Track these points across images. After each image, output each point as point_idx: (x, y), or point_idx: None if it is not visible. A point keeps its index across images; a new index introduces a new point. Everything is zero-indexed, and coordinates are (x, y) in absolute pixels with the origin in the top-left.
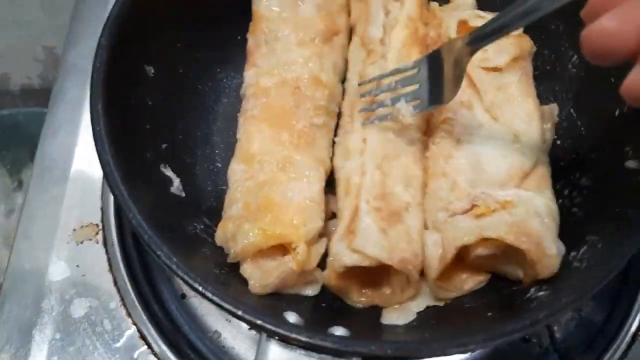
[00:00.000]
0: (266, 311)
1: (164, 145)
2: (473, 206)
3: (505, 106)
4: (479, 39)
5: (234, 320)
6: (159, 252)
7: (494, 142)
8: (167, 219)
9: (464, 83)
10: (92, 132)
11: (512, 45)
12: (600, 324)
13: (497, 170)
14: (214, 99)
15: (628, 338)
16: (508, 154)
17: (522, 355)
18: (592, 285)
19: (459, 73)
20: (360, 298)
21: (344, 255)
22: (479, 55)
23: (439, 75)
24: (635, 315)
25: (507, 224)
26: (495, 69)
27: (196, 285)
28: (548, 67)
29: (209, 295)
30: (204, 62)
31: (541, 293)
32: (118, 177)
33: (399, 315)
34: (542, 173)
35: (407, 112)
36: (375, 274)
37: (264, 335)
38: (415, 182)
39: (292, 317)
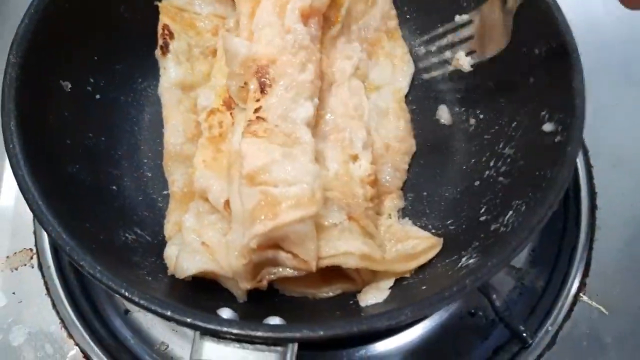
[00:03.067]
0: (197, 310)
1: (86, 159)
2: None
3: None
4: None
5: (180, 329)
6: (82, 262)
7: None
8: (93, 231)
9: None
10: (6, 151)
11: None
12: (541, 290)
13: None
14: (138, 109)
15: (569, 300)
16: None
17: (471, 328)
18: (515, 246)
19: (508, 21)
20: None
21: None
22: None
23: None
24: (574, 278)
25: None
26: None
27: (122, 291)
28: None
29: (135, 298)
30: (123, 74)
31: (471, 261)
32: (35, 192)
33: (374, 294)
34: None
35: (466, 62)
36: None
37: (197, 333)
38: None
39: (225, 312)
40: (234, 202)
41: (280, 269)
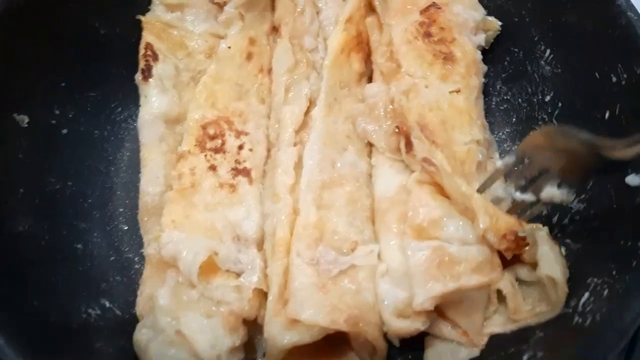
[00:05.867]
0: None
1: (44, 212)
2: None
3: None
4: None
5: None
6: None
7: None
8: (42, 311)
9: None
10: None
11: None
12: None
13: None
14: (115, 145)
15: None
16: None
17: None
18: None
19: None
20: None
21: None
22: None
23: None
24: None
25: None
26: None
27: None
28: (516, 67)
29: None
30: (98, 102)
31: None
32: None
33: None
34: None
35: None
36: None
37: None
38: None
39: None
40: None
41: None
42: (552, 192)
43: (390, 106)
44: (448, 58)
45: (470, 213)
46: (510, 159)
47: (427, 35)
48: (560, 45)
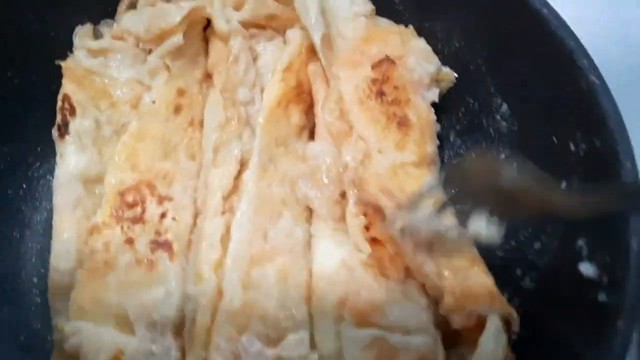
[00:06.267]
0: None
1: None
2: None
3: None
4: None
5: None
6: None
7: None
8: None
9: None
10: None
11: None
12: None
13: None
14: (31, 206)
15: None
16: None
17: None
18: None
19: None
20: None
21: None
22: None
23: None
24: None
25: None
26: None
27: None
28: (471, 119)
29: None
30: (12, 158)
31: None
32: None
33: None
34: None
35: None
36: None
37: None
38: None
39: None
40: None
41: None
42: (478, 225)
43: (339, 170)
44: (402, 123)
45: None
46: (433, 180)
47: (380, 93)
48: (518, 101)
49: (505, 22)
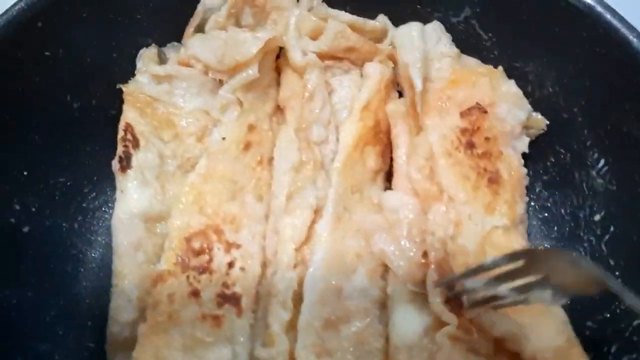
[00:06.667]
0: None
1: None
2: None
3: None
4: None
5: None
6: None
7: None
8: None
9: None
10: None
11: None
12: None
13: None
14: (85, 240)
15: None
16: None
17: None
18: None
19: None
20: None
21: None
22: None
23: None
24: None
25: None
26: None
27: None
28: (560, 171)
29: None
30: (67, 189)
31: None
32: None
33: None
34: None
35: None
36: None
37: None
38: None
39: None
40: None
41: None
42: (541, 295)
43: (422, 228)
44: (494, 180)
45: None
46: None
47: (470, 145)
48: (618, 159)
49: (611, 71)
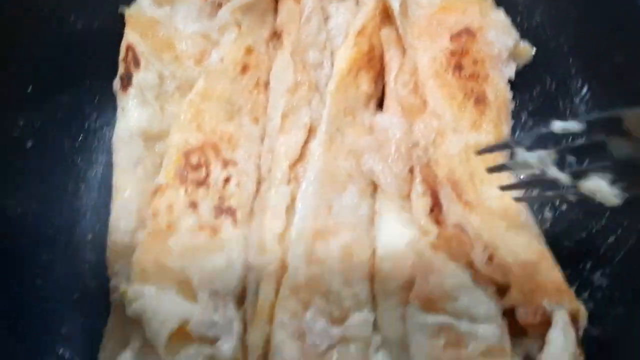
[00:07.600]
0: None
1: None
2: None
3: None
4: None
5: None
6: None
7: None
8: None
9: None
10: None
11: None
12: None
13: None
14: (87, 159)
15: None
16: None
17: None
18: None
19: None
20: None
21: None
22: None
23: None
24: None
25: None
26: None
27: None
28: (545, 99)
29: None
30: (69, 108)
31: None
32: None
33: None
34: None
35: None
36: None
37: None
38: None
39: None
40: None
41: None
42: (598, 185)
43: (408, 145)
44: (480, 100)
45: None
46: (572, 125)
47: (458, 67)
48: (601, 86)
49: (599, 1)
